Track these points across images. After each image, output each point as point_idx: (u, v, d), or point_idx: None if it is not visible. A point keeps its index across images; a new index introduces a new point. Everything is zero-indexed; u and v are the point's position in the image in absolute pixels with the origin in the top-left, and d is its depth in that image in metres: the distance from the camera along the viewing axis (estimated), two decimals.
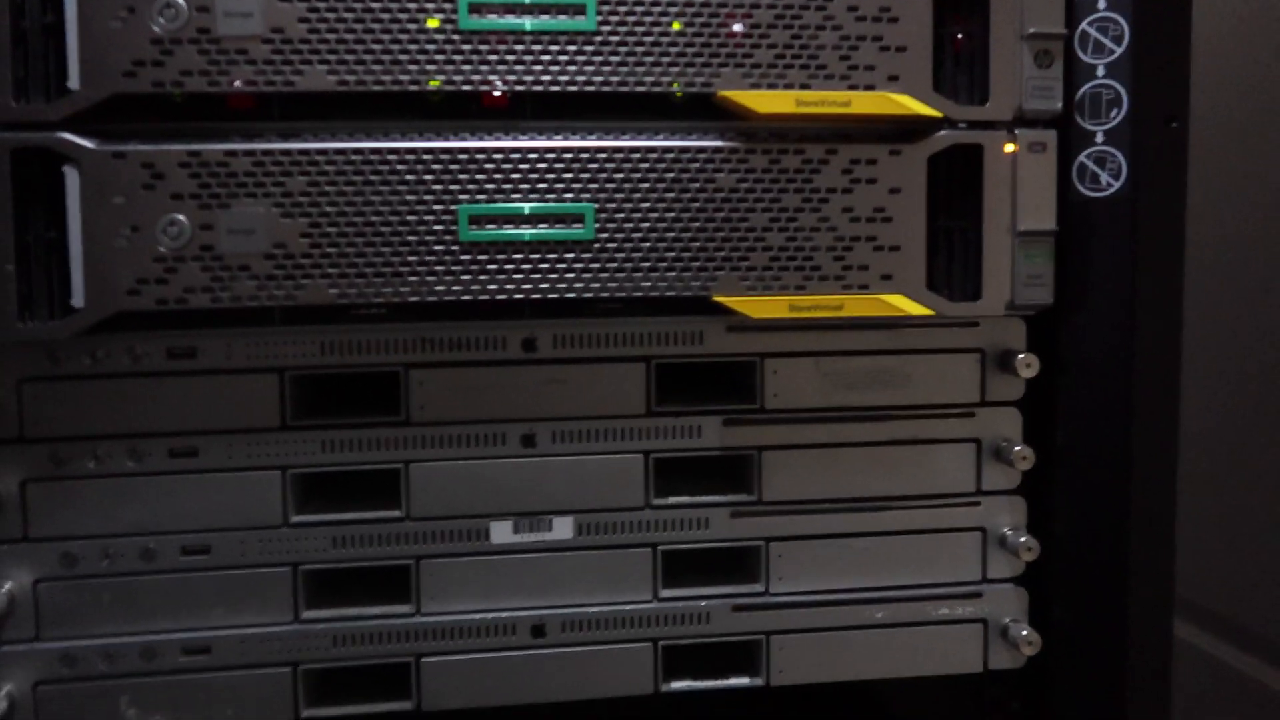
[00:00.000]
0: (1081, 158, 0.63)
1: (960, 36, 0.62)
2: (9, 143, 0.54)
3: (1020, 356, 0.64)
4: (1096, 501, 0.65)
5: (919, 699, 0.77)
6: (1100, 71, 0.63)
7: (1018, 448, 0.64)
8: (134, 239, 0.55)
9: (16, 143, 0.54)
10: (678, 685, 0.64)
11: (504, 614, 0.62)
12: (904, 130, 0.61)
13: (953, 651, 0.66)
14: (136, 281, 0.55)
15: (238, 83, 0.56)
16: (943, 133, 0.61)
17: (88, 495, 0.58)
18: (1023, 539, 0.64)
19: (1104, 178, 0.63)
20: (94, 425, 0.58)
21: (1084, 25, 0.63)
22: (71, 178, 0.55)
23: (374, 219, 0.57)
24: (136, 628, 0.59)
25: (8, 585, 0.57)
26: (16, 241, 0.55)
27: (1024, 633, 0.64)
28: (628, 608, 0.63)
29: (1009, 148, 0.62)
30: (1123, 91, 0.63)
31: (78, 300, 0.55)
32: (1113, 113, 0.63)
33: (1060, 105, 0.62)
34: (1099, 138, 0.63)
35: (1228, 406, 1.01)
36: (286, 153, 0.56)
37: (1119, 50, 0.63)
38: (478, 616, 0.62)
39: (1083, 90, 0.63)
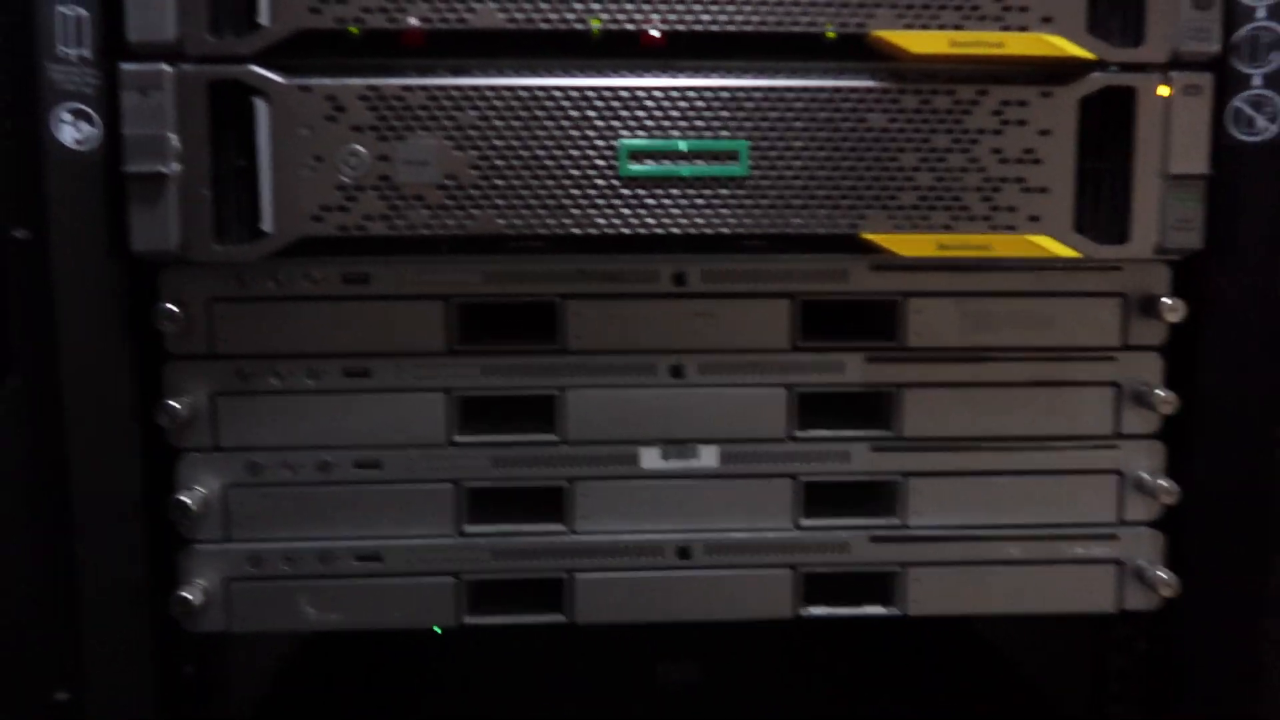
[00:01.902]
0: (1236, 101, 0.63)
1: None
2: (206, 75, 0.58)
3: (1166, 301, 0.64)
4: (1239, 448, 0.65)
5: (1040, 635, 0.79)
6: (1261, 13, 0.62)
7: (1160, 391, 0.64)
8: (318, 168, 0.59)
9: (213, 75, 0.58)
10: (816, 611, 0.66)
11: (652, 536, 0.65)
12: (1056, 72, 0.61)
13: (1087, 590, 0.67)
14: (320, 208, 0.59)
15: (413, 20, 0.59)
16: (1095, 75, 0.61)
17: (270, 409, 0.63)
18: (1161, 482, 0.65)
19: (1260, 122, 0.63)
20: (276, 344, 0.62)
21: None
22: (261, 109, 0.59)
23: (539, 153, 0.60)
24: (314, 534, 0.63)
25: (201, 489, 0.62)
26: (211, 169, 0.59)
27: (1162, 574, 0.65)
28: (769, 534, 0.65)
29: (1163, 91, 0.62)
30: None
31: (267, 225, 0.59)
32: (1272, 56, 0.62)
33: (1217, 47, 0.62)
34: (1256, 81, 0.63)
35: None
36: (458, 88, 0.59)
37: None
38: (627, 537, 0.65)
39: (1241, 32, 0.62)
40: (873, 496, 0.67)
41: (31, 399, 0.58)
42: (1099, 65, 0.61)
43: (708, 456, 0.65)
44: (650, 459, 0.65)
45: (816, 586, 0.66)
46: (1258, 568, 0.64)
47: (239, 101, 0.59)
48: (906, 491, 0.66)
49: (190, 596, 0.60)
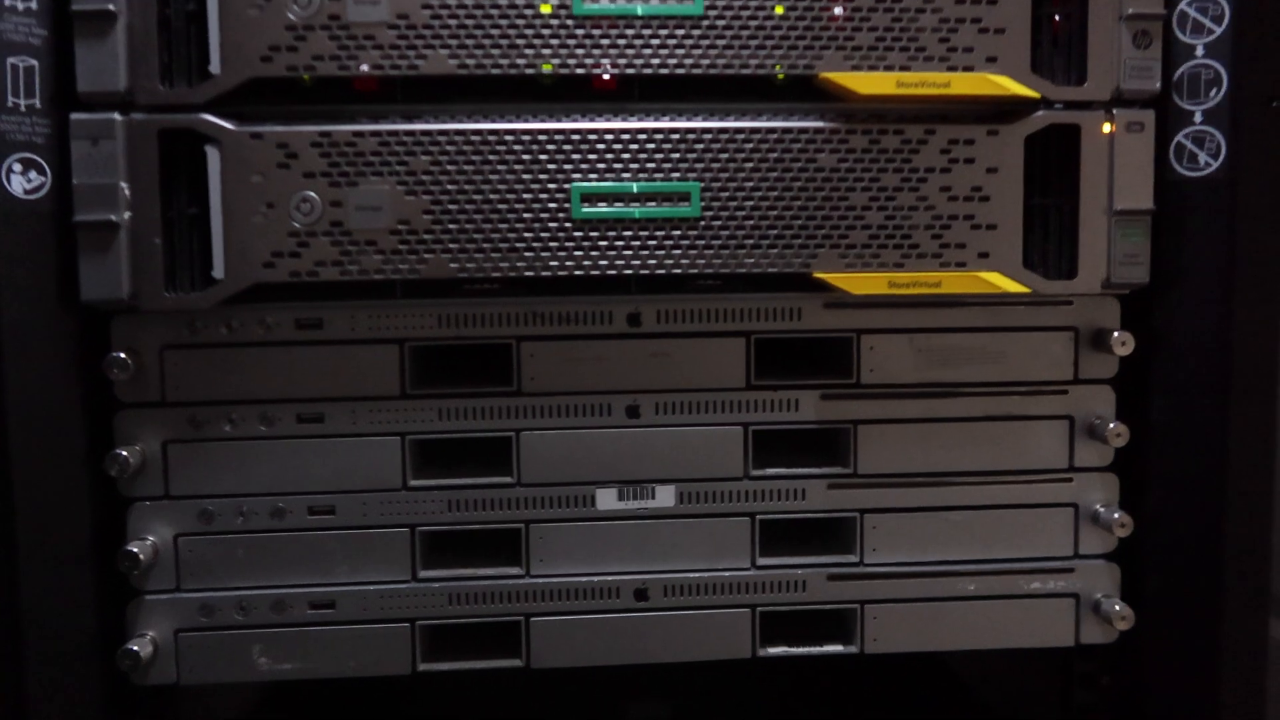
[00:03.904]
0: (1179, 137, 0.64)
1: (1058, 18, 0.63)
2: (157, 124, 0.58)
3: (1115, 334, 0.65)
4: (1191, 479, 0.65)
5: (1008, 671, 0.79)
6: (1199, 51, 0.63)
7: (1112, 425, 0.65)
8: (269, 215, 0.59)
9: (164, 124, 0.58)
10: (774, 651, 0.66)
11: (609, 578, 0.65)
12: (1002, 110, 0.62)
13: (1044, 625, 0.67)
14: (272, 255, 0.59)
15: (365, 67, 0.59)
16: (1040, 113, 0.62)
17: (223, 456, 0.62)
18: (1115, 515, 0.65)
19: (1202, 157, 0.64)
20: (229, 391, 0.62)
21: (1183, 5, 0.63)
22: (213, 157, 0.59)
23: (492, 197, 0.60)
24: (268, 581, 0.63)
25: (151, 539, 0.61)
26: (162, 217, 0.59)
27: (1117, 608, 0.65)
28: (727, 574, 0.65)
29: (1106, 128, 0.63)
30: (1223, 71, 0.63)
31: (218, 272, 0.59)
32: (1212, 92, 0.63)
33: (1159, 85, 0.63)
34: (1197, 117, 0.64)
35: None
36: (410, 133, 0.59)
37: (1219, 30, 0.63)
38: (584, 579, 0.64)
39: (1181, 70, 0.64)
40: (830, 534, 0.67)
41: None
42: (1044, 103, 0.63)
43: (664, 496, 0.65)
44: (606, 500, 0.65)
45: (775, 625, 0.66)
46: (1212, 601, 0.65)
47: (191, 149, 0.59)
48: (863, 528, 0.66)
49: (137, 649, 0.60)
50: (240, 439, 0.62)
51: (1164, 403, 0.66)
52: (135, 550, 0.60)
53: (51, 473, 0.59)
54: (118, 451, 0.60)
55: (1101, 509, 0.66)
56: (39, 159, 0.58)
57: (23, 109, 0.57)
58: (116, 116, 0.58)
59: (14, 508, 0.58)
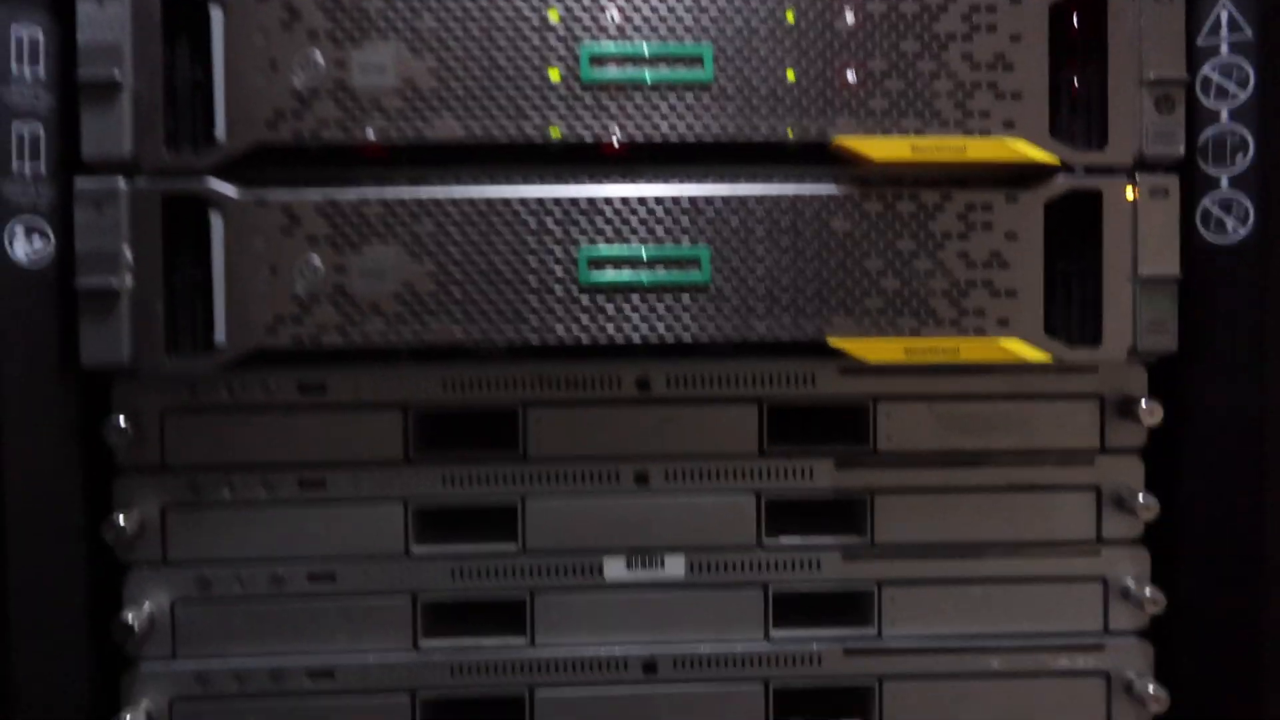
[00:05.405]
0: (1206, 203, 0.62)
1: (1077, 82, 0.62)
2: (161, 190, 0.58)
3: (1143, 404, 0.62)
4: (1226, 554, 0.62)
5: None
6: (1224, 116, 0.62)
7: (1140, 497, 0.63)
8: (272, 280, 0.58)
9: (168, 190, 0.58)
10: None
11: (616, 649, 0.63)
12: (1021, 175, 0.61)
13: (1073, 705, 0.64)
14: (274, 320, 0.58)
15: (371, 133, 0.59)
16: (1060, 178, 0.61)
17: (222, 522, 0.61)
18: (1147, 591, 0.63)
19: (1230, 224, 0.62)
20: (229, 455, 0.61)
21: (1206, 70, 0.62)
22: (216, 223, 0.58)
23: (497, 263, 0.59)
24: (265, 650, 0.61)
25: (148, 606, 0.60)
26: (165, 282, 0.58)
27: (1150, 689, 0.62)
28: (739, 647, 0.63)
29: (1130, 194, 0.61)
30: (1249, 136, 0.61)
31: (220, 337, 0.58)
32: (1238, 157, 0.62)
33: (1182, 150, 0.61)
34: (1224, 183, 0.62)
35: None
36: (415, 200, 0.59)
37: (1244, 95, 0.61)
38: (590, 651, 0.63)
39: (1206, 134, 0.62)
40: (846, 606, 0.64)
41: None
42: (1064, 169, 0.61)
43: (674, 566, 0.63)
44: (614, 569, 0.63)
45: (789, 701, 0.63)
46: (1251, 684, 0.62)
47: (195, 214, 0.58)
48: (880, 601, 0.64)
49: (131, 719, 0.58)
50: (240, 504, 0.61)
51: (1195, 476, 0.63)
52: (130, 620, 0.59)
53: (49, 538, 0.59)
54: (114, 518, 0.59)
55: (1132, 584, 0.64)
56: (43, 224, 0.58)
57: (27, 175, 0.57)
58: (121, 182, 0.58)
59: (9, 573, 0.58)
